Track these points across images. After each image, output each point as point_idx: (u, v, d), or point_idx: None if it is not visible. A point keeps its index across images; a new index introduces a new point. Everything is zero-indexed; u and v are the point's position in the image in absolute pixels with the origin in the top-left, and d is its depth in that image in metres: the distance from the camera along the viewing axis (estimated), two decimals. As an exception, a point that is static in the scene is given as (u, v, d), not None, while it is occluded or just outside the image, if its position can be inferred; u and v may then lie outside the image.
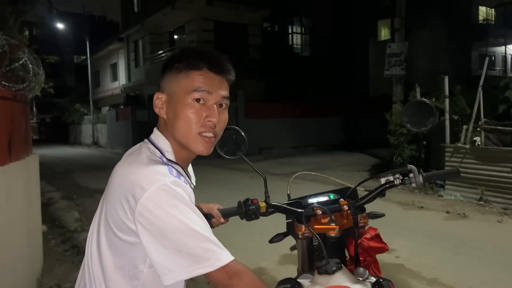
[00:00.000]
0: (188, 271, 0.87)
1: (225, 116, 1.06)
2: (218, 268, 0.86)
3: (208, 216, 1.32)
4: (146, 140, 1.04)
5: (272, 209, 1.32)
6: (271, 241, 1.38)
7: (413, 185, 1.31)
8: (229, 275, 0.87)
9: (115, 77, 27.20)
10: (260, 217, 1.32)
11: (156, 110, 1.03)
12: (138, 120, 20.91)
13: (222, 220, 1.32)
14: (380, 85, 17.02)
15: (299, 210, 1.31)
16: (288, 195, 1.41)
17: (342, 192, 1.40)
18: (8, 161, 3.09)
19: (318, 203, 1.35)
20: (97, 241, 0.95)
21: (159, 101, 1.03)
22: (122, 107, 23.31)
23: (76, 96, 29.26)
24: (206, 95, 1.00)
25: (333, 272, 1.21)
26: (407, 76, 10.36)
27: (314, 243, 1.33)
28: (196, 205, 1.34)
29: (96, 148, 24.62)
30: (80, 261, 3.75)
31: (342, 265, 1.25)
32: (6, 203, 3.00)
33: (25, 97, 3.70)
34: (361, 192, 1.40)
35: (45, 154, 17.48)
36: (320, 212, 1.28)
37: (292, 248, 1.41)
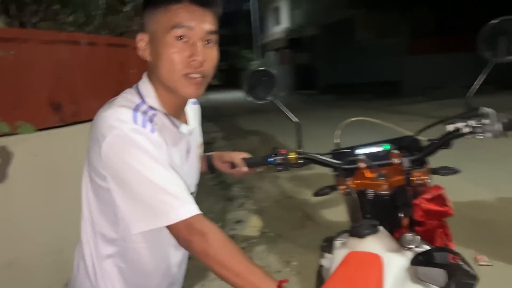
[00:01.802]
0: (148, 223, 0.85)
1: (213, 53, 0.95)
2: (176, 222, 0.82)
3: (231, 165, 1.26)
4: (134, 86, 1.00)
5: (304, 161, 1.18)
6: (316, 194, 1.25)
7: (488, 134, 0.99)
8: (189, 230, 0.81)
9: (278, 21, 27.73)
10: (291, 168, 1.20)
11: (140, 53, 0.96)
12: (299, 63, 21.17)
13: (245, 169, 1.24)
14: None
15: (336, 162, 1.14)
16: (336, 144, 1.24)
17: (402, 142, 1.16)
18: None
19: (368, 154, 1.15)
20: (85, 185, 0.97)
21: (142, 42, 0.95)
22: (284, 50, 23.83)
23: (245, 43, 31.05)
24: (188, 31, 0.90)
25: (364, 236, 1.04)
26: None
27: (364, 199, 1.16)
28: (214, 154, 1.30)
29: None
30: (223, 195, 4.16)
31: (381, 228, 1.07)
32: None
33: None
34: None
35: (216, 99, 19.43)
36: (364, 165, 1.09)
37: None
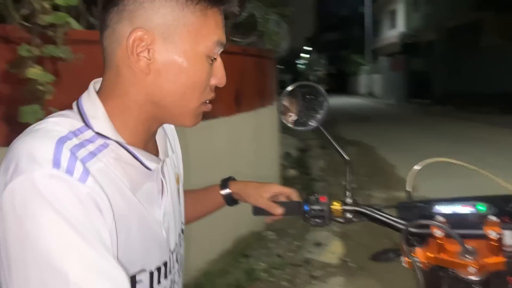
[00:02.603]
0: None
1: None
2: None
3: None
4: (75, 102, 0.65)
5: (353, 215, 0.85)
6: (374, 258, 0.91)
7: None
8: None
9: (393, 25, 26.24)
10: (334, 222, 0.88)
11: (134, 59, 0.60)
12: (413, 70, 19.74)
13: (279, 211, 0.93)
14: None
15: (401, 222, 0.80)
16: (408, 193, 0.89)
17: (506, 203, 0.77)
18: (234, 112, 3.40)
19: (451, 215, 0.79)
20: None
21: (141, 42, 0.59)
22: (397, 56, 22.47)
23: (356, 47, 30.12)
24: (221, 48, 0.67)
25: None
26: None
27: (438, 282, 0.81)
28: (232, 188, 0.98)
29: (370, 98, 24.97)
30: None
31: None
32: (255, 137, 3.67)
33: (258, 50, 3.90)
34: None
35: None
36: (441, 233, 0.74)
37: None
